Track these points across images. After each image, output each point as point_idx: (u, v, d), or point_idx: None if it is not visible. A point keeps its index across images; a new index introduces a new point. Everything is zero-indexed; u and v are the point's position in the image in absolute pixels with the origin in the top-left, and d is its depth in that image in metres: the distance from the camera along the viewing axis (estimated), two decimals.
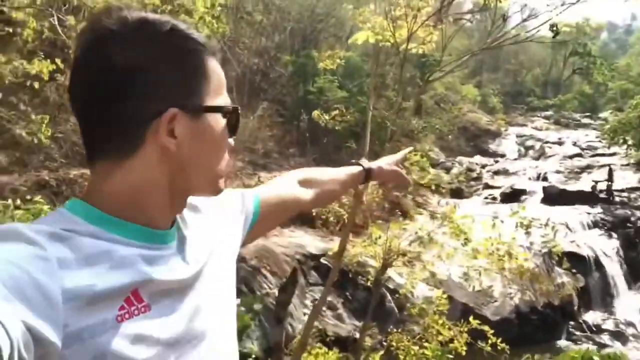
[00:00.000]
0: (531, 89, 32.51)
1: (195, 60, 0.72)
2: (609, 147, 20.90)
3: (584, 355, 4.10)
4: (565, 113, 29.08)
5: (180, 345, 0.70)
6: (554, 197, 17.43)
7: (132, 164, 0.69)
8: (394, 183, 1.41)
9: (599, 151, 21.98)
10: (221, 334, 0.79)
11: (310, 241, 11.83)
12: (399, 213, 11.57)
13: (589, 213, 15.70)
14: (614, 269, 13.49)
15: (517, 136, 25.11)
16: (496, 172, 20.82)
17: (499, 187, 18.95)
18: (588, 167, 19.94)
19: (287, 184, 1.15)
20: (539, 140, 24.52)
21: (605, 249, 13.66)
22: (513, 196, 17.70)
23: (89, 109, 0.69)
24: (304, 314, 9.01)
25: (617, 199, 16.60)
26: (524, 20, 5.47)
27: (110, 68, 0.66)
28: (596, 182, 17.41)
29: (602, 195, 16.98)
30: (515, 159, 22.91)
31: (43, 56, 5.96)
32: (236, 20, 17.61)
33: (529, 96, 31.90)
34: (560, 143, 24.10)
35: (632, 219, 15.33)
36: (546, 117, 28.85)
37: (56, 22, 6.64)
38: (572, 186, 18.29)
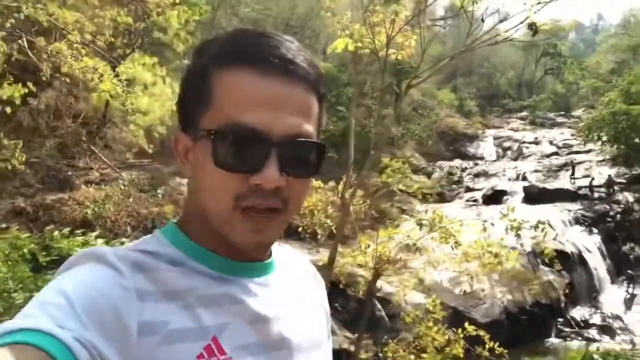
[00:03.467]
0: (506, 91, 33.10)
1: (197, 74, 0.63)
2: (584, 144, 21.32)
3: (585, 355, 4.05)
4: (540, 113, 29.67)
5: None
6: (535, 196, 17.69)
7: (188, 187, 0.69)
8: None
9: (575, 149, 22.43)
10: None
11: None
12: (388, 221, 11.56)
13: (569, 210, 15.96)
14: (598, 264, 13.69)
15: (495, 138, 25.49)
16: (476, 175, 21.06)
17: (480, 190, 19.17)
18: (566, 165, 20.30)
19: None
20: (516, 141, 24.95)
21: (588, 244, 13.86)
22: (494, 197, 17.91)
23: None
24: None
25: (595, 194, 16.90)
26: (500, 21, 5.53)
27: None
28: (592, 178, 17.63)
29: (581, 192, 17.28)
30: (494, 161, 23.23)
31: (12, 80, 5.81)
32: (211, 36, 17.60)
33: (504, 98, 32.46)
34: (537, 143, 24.56)
35: (611, 213, 15.62)
36: (522, 118, 29.39)
37: (26, 45, 6.49)
38: (552, 184, 18.60)
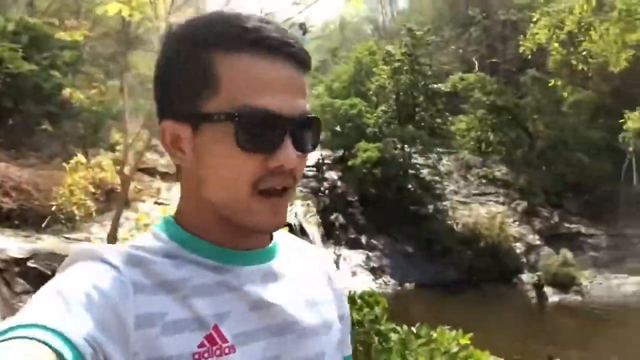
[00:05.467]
0: None
1: (197, 59, 0.61)
2: None
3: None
4: None
5: None
6: None
7: (181, 179, 0.68)
8: None
9: None
10: None
11: (11, 243, 9.99)
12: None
13: None
14: (314, 232, 15.99)
15: None
16: None
17: None
18: None
19: None
20: None
21: (307, 216, 16.04)
22: None
23: None
24: None
25: (310, 173, 19.58)
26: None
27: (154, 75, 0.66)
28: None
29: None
30: None
31: None
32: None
33: None
34: None
35: (322, 188, 18.40)
36: None
37: None
38: None
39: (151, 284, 0.59)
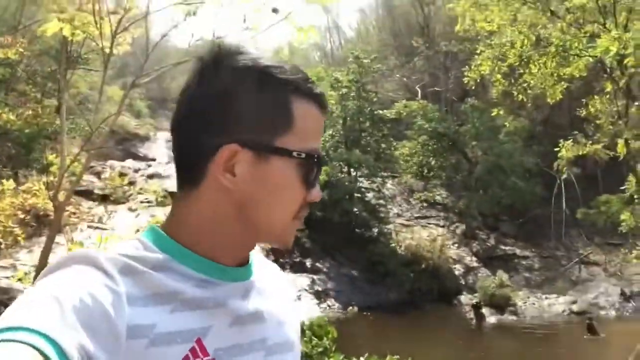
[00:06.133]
0: (176, 96, 34.00)
1: (277, 97, 0.68)
2: None
3: None
4: None
5: None
6: None
7: (198, 194, 0.69)
8: None
9: None
10: None
11: None
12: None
13: None
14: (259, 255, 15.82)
15: (166, 141, 26.00)
16: (150, 176, 21.06)
17: (154, 192, 19.28)
18: None
19: None
20: None
21: None
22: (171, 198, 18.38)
23: (172, 134, 0.71)
24: None
25: None
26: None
27: (192, 95, 0.69)
28: None
29: None
30: (167, 163, 23.70)
31: None
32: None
33: (174, 103, 33.29)
34: None
35: None
36: None
37: None
38: None
39: (142, 295, 0.61)
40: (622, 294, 16.89)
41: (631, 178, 10.85)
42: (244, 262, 0.74)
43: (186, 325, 0.63)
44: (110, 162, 20.97)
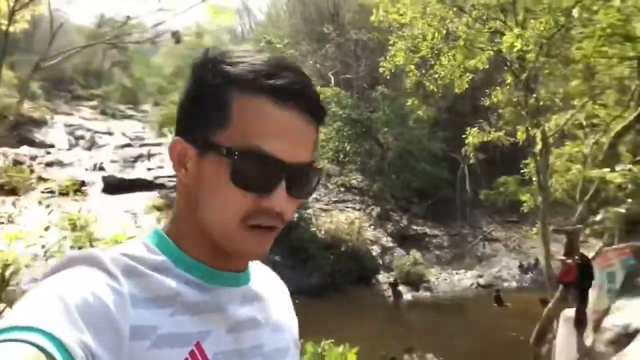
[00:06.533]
0: (73, 77, 31.45)
1: (215, 91, 0.65)
2: (156, 138, 23.05)
3: None
4: (110, 104, 29.80)
5: None
6: (115, 186, 17.92)
7: (180, 193, 0.70)
8: None
9: (147, 141, 23.90)
10: None
11: None
12: None
13: (147, 198, 17.07)
14: None
15: (66, 125, 24.00)
16: (49, 164, 19.38)
17: (54, 180, 17.76)
18: (141, 156, 21.40)
19: None
20: (88, 130, 24.29)
21: None
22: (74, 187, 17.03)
23: None
24: None
25: (170, 183, 18.70)
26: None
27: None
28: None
29: (158, 182, 18.74)
30: (68, 149, 21.94)
31: None
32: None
33: (71, 84, 30.80)
34: (110, 133, 24.68)
35: None
36: (92, 107, 28.76)
37: None
38: (130, 174, 19.27)
39: (145, 297, 0.62)
40: (521, 266, 18.71)
41: (529, 161, 11.92)
42: (242, 268, 0.73)
43: (186, 329, 0.63)
44: (3, 149, 18.93)
